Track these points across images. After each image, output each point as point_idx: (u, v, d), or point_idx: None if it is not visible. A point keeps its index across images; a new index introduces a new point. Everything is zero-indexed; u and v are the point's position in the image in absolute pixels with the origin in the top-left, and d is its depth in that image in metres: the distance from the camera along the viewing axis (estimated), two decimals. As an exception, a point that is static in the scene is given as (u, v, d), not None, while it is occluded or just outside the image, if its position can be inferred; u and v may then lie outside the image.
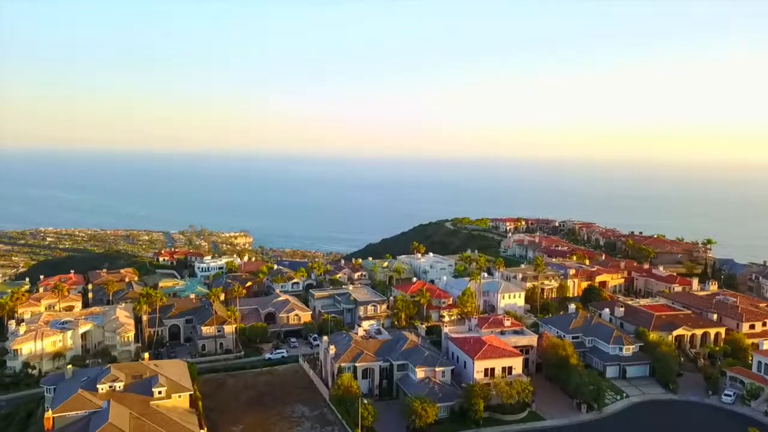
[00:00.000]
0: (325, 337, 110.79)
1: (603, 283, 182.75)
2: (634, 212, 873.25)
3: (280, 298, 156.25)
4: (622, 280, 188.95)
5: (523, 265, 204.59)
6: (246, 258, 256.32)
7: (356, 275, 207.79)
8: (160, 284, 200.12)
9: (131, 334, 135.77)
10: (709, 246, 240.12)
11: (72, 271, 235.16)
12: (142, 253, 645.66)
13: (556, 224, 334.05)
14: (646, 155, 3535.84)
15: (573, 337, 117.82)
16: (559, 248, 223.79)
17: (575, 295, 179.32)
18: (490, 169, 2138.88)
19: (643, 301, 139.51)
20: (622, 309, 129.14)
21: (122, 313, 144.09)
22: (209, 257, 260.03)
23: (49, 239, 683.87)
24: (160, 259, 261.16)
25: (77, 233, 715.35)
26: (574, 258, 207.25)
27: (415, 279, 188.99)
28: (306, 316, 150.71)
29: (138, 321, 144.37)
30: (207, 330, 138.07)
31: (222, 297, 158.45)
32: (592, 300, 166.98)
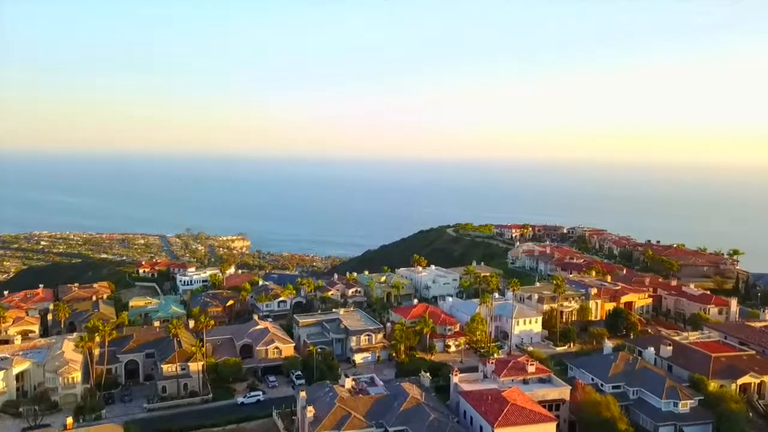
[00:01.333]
0: (303, 393, 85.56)
1: (629, 304, 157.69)
2: (641, 215, 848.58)
3: (258, 327, 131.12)
4: (650, 299, 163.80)
5: (537, 283, 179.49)
6: (232, 270, 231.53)
7: (350, 291, 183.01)
8: (131, 303, 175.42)
9: (77, 375, 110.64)
10: (736, 257, 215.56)
11: (41, 285, 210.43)
12: (138, 257, 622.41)
13: (565, 231, 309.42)
14: (647, 157, 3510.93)
15: (613, 387, 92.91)
16: (574, 261, 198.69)
17: (598, 318, 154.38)
18: (490, 171, 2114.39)
19: (692, 336, 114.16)
20: (670, 348, 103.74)
21: (70, 347, 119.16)
22: (192, 269, 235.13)
23: (43, 243, 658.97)
24: (141, 271, 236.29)
25: (72, 237, 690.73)
26: (593, 273, 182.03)
27: (416, 301, 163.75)
28: (288, 348, 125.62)
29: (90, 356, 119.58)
30: (168, 368, 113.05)
31: (192, 324, 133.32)
32: (618, 325, 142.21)
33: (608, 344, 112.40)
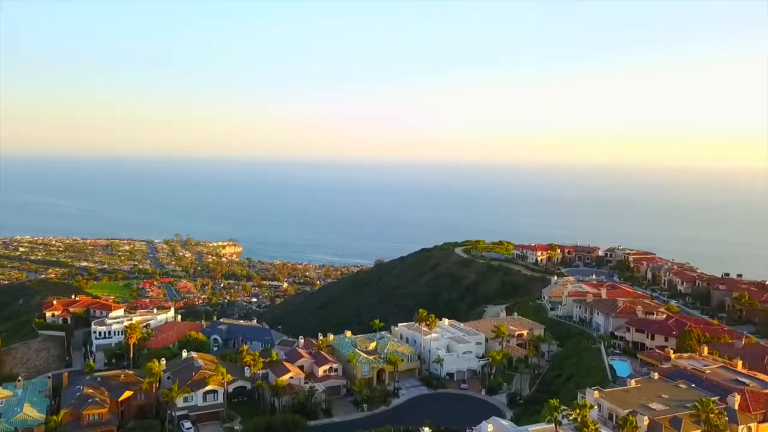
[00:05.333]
0: None
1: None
2: (648, 220, 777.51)
3: None
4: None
5: (609, 359, 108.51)
6: (169, 314, 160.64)
7: (321, 371, 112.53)
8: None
9: None
10: None
11: None
12: (121, 265, 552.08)
13: (601, 254, 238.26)
14: (648, 160, 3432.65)
15: None
16: (655, 317, 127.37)
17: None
18: (489, 173, 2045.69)
19: None
20: None
21: None
22: (120, 312, 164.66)
23: (21, 249, 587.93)
24: (49, 314, 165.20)
25: (54, 242, 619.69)
26: (705, 351, 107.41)
27: (420, 385, 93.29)
28: None
29: None
30: None
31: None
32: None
33: None
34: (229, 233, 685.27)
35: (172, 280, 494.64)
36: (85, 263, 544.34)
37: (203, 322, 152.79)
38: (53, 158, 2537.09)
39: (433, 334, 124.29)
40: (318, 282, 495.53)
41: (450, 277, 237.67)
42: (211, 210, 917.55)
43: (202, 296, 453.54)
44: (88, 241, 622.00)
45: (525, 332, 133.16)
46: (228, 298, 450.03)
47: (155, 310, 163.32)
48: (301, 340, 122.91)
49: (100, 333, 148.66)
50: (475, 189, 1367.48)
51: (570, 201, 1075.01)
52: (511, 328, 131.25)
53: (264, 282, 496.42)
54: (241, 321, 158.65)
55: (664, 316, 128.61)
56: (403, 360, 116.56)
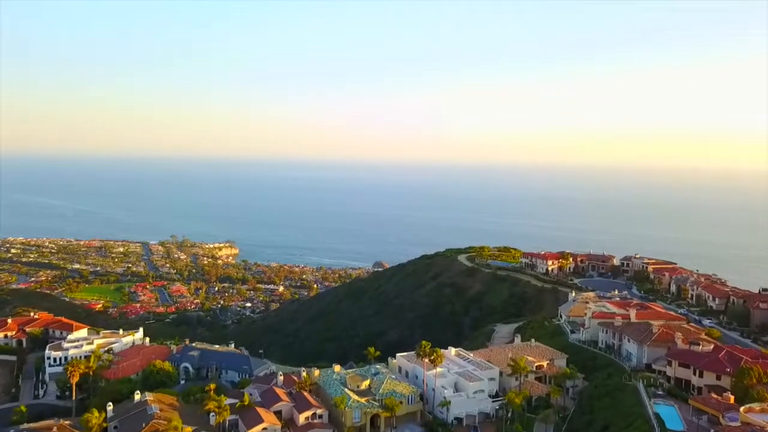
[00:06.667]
0: None
1: None
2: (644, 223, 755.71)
3: None
4: None
5: (666, 405, 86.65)
6: (137, 336, 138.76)
7: (303, 417, 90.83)
8: None
9: None
10: None
11: None
12: (114, 267, 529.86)
13: (615, 263, 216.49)
14: (648, 161, 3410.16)
15: None
16: (701, 349, 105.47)
17: None
18: (489, 173, 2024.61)
19: None
20: None
21: None
22: (82, 332, 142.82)
23: (13, 251, 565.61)
24: (0, 335, 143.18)
25: (47, 244, 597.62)
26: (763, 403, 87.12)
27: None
28: None
29: None
30: None
31: None
32: None
33: None
34: (226, 234, 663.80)
35: (166, 283, 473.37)
36: (77, 265, 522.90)
37: (173, 347, 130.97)
38: (50, 158, 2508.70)
39: (439, 369, 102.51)
40: (315, 285, 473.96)
41: (453, 287, 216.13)
42: (208, 211, 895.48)
43: (195, 300, 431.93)
44: (82, 243, 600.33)
45: (545, 363, 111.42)
46: (222, 302, 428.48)
47: (121, 331, 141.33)
48: (281, 377, 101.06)
49: (54, 359, 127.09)
50: (475, 189, 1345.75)
51: (570, 202, 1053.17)
52: (529, 359, 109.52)
53: (259, 285, 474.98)
54: (216, 346, 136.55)
55: (712, 347, 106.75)
56: (402, 402, 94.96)
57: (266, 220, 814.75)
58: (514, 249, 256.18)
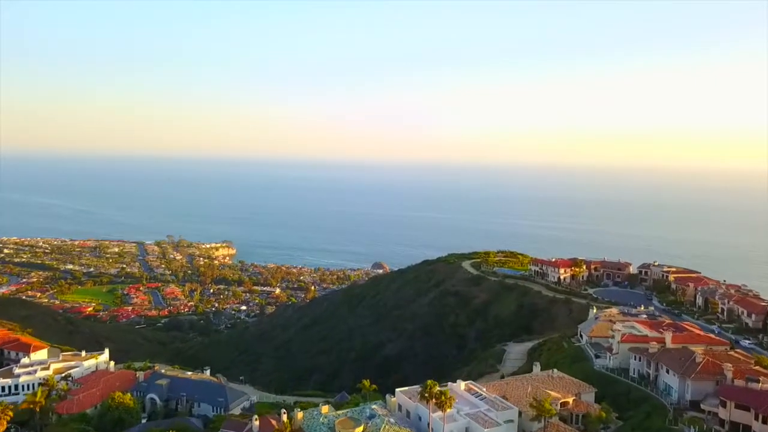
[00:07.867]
0: None
1: None
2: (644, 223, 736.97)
3: None
4: None
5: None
6: (103, 357, 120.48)
7: (281, 477, 72.25)
8: None
9: None
10: None
11: None
12: (108, 268, 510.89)
13: (632, 271, 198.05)
14: (649, 161, 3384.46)
15: None
16: (760, 387, 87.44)
17: None
18: (489, 173, 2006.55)
19: None
20: None
21: None
22: (41, 353, 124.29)
23: (6, 251, 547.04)
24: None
25: (41, 244, 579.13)
26: None
27: None
28: None
29: None
30: None
31: None
32: None
33: None
34: (224, 234, 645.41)
35: (160, 285, 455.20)
36: (70, 266, 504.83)
37: (139, 373, 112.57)
38: (49, 157, 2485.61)
39: (449, 411, 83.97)
40: (313, 287, 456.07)
41: (457, 297, 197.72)
42: (206, 210, 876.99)
43: (189, 303, 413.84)
44: (76, 243, 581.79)
45: (571, 400, 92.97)
46: (216, 305, 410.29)
47: (83, 353, 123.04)
48: (256, 422, 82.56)
49: (2, 388, 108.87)
50: (476, 189, 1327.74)
51: (571, 202, 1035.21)
52: (553, 394, 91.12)
53: (256, 287, 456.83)
54: (189, 372, 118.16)
55: (764, 376, 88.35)
56: (402, 455, 76.61)
57: (264, 220, 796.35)
58: (522, 254, 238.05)
